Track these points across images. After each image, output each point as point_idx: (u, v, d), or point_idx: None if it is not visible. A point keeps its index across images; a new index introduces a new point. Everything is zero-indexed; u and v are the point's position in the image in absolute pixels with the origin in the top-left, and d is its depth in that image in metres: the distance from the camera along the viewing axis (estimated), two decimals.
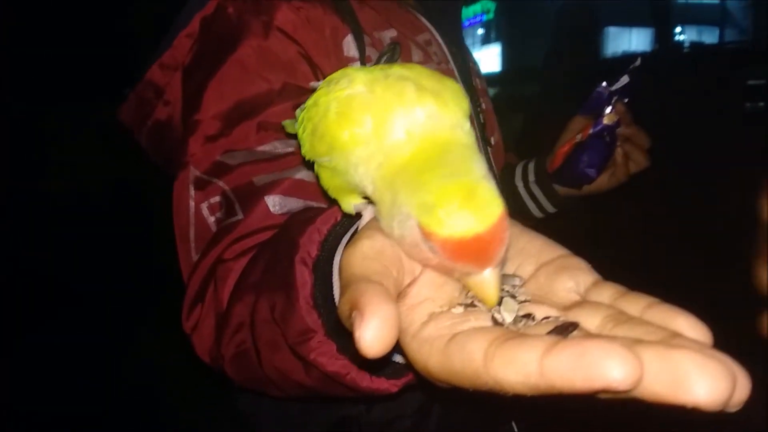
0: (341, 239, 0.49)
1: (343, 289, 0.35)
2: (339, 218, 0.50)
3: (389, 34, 0.72)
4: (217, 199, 0.61)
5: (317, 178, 0.46)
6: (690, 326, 0.31)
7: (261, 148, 0.62)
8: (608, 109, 0.79)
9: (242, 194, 0.60)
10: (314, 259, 0.50)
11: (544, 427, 0.77)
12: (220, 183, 0.61)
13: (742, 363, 0.26)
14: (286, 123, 0.54)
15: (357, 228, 0.47)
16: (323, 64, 0.65)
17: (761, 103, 2.97)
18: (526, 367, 0.27)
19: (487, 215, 0.34)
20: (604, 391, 0.25)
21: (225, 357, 0.58)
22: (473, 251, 0.35)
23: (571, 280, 0.37)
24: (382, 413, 0.70)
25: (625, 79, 0.79)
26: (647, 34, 3.63)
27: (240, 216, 0.60)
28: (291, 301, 0.50)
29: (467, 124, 0.40)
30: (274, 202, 0.60)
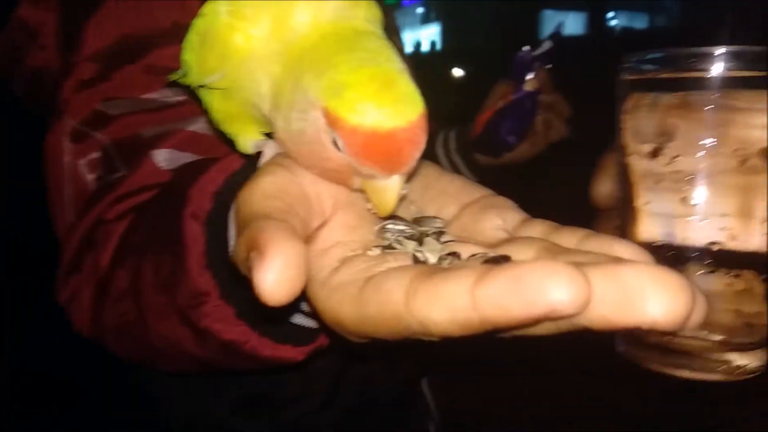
0: (238, 190, 0.43)
1: (240, 230, 0.30)
2: (237, 167, 0.45)
3: None
4: (96, 154, 0.55)
5: (207, 111, 0.40)
6: (631, 253, 0.28)
7: (148, 95, 0.56)
8: (530, 75, 0.77)
9: (125, 148, 0.54)
10: (207, 213, 0.45)
11: (455, 388, 0.76)
12: (100, 136, 0.55)
13: None
14: (175, 74, 0.49)
15: None
16: None
17: None
18: (455, 301, 0.24)
19: (406, 110, 0.30)
20: (547, 318, 0.22)
21: (106, 328, 0.52)
22: (384, 149, 0.31)
23: (498, 218, 0.35)
24: (291, 389, 0.66)
25: (547, 44, 0.77)
26: (583, 18, 3.68)
27: (123, 172, 0.54)
28: (180, 261, 0.45)
29: (381, 30, 0.35)
30: (163, 157, 0.55)
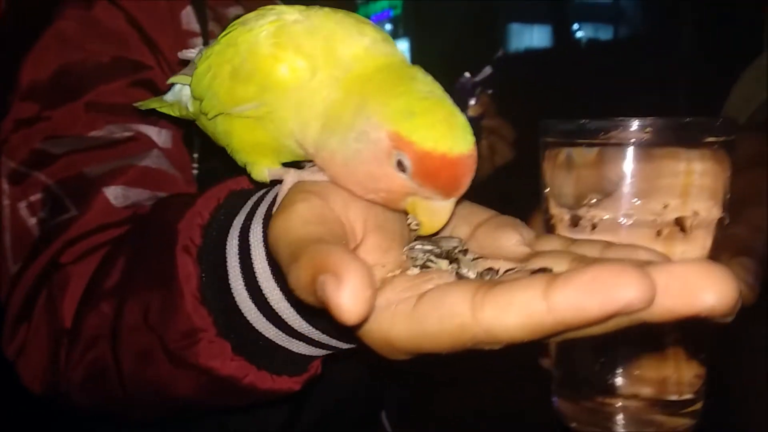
0: (232, 221, 0.43)
1: (292, 257, 0.30)
2: (222, 200, 0.45)
3: (235, 11, 0.66)
4: (38, 196, 0.53)
5: (223, 139, 0.41)
6: (654, 257, 0.30)
7: (93, 133, 0.55)
8: (472, 101, 0.77)
9: (73, 187, 0.53)
10: (198, 248, 0.44)
11: (414, 419, 0.78)
12: (42, 176, 0.53)
13: None
14: (146, 102, 0.50)
15: (252, 208, 0.43)
16: (158, 37, 0.60)
17: (653, 95, 3.13)
18: (529, 306, 0.25)
19: (467, 139, 0.33)
20: (619, 314, 0.24)
21: (72, 380, 0.50)
22: (450, 173, 0.33)
23: (516, 234, 0.36)
24: (249, 421, 0.65)
25: (488, 70, 0.78)
26: (548, 32, 3.74)
27: (74, 212, 0.52)
28: (172, 298, 0.44)
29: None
30: (116, 194, 0.54)
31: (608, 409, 0.43)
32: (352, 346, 0.44)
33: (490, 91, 0.78)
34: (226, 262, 0.43)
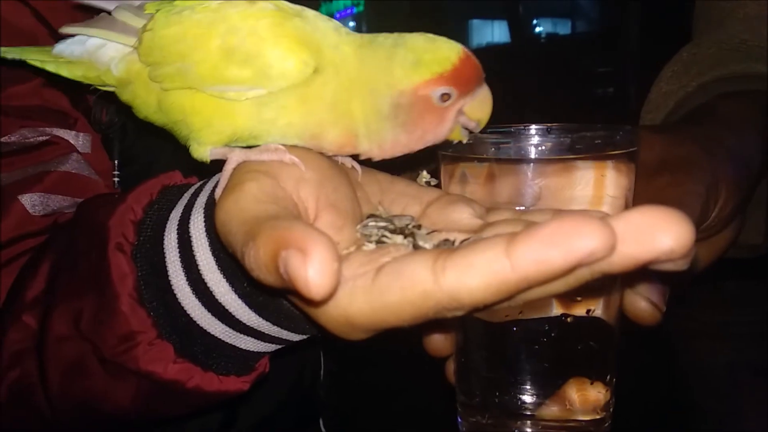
0: (168, 215, 0.41)
1: (247, 236, 0.30)
2: (155, 195, 0.43)
3: None
4: None
5: (171, 109, 0.40)
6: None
7: (4, 139, 0.52)
8: None
9: None
10: (133, 245, 0.42)
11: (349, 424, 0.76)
12: None
13: None
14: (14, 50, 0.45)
15: (190, 199, 0.41)
16: None
17: (610, 89, 3.18)
18: (491, 265, 0.25)
19: (451, 40, 0.39)
20: (583, 263, 0.24)
21: None
22: (472, 63, 0.39)
23: (468, 208, 0.37)
24: None
25: None
26: (507, 27, 3.78)
27: None
28: (107, 301, 0.42)
29: None
30: (33, 202, 0.50)
31: (511, 431, 0.43)
32: (302, 337, 0.43)
33: None
34: (164, 258, 0.41)
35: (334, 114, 0.39)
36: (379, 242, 0.34)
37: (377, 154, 0.40)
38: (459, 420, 0.46)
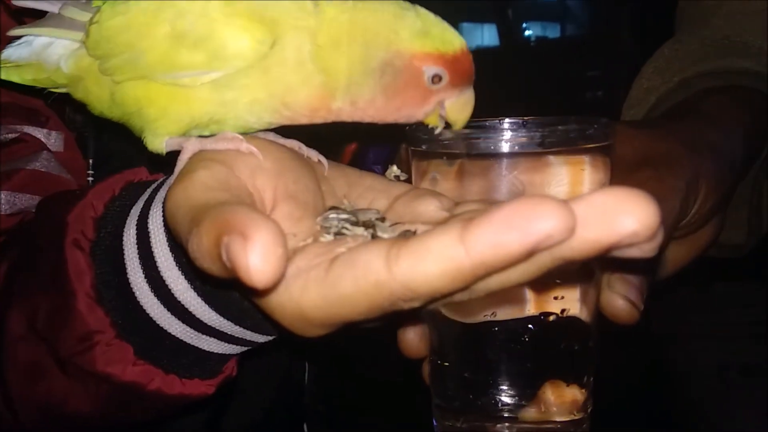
0: (127, 214, 0.40)
1: (192, 223, 0.29)
2: (117, 192, 0.42)
3: None
4: None
5: (125, 101, 0.38)
6: None
7: None
8: None
9: None
10: (91, 243, 0.41)
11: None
12: None
13: None
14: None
15: (150, 195, 0.40)
16: None
17: (599, 93, 3.18)
18: (445, 251, 0.24)
19: (458, 33, 0.38)
20: (540, 247, 0.23)
21: None
22: (469, 62, 0.38)
23: (435, 200, 0.36)
24: None
25: None
26: (496, 30, 3.78)
27: None
28: (63, 299, 0.40)
29: None
30: (1, 201, 0.49)
31: None
32: (267, 338, 0.42)
33: None
34: (123, 254, 0.40)
35: (303, 74, 0.37)
36: (338, 234, 0.33)
37: (348, 114, 0.39)
38: (434, 423, 0.46)
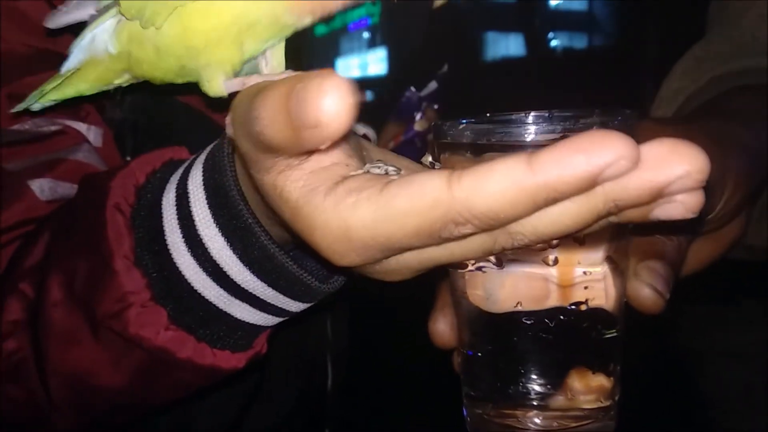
0: (167, 184, 0.41)
1: (254, 94, 0.29)
2: (158, 167, 0.44)
3: None
4: None
5: (172, 45, 0.40)
6: None
7: (17, 127, 0.52)
8: (418, 116, 0.78)
9: None
10: (132, 208, 0.42)
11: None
12: None
13: None
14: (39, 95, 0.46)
15: (188, 165, 0.41)
16: None
17: (627, 102, 3.16)
18: (511, 171, 0.25)
19: None
20: (605, 177, 0.24)
21: None
22: None
23: None
24: None
25: (433, 85, 0.79)
26: (523, 39, 3.78)
27: None
28: (102, 262, 0.41)
29: None
30: (42, 187, 0.51)
31: (517, 421, 0.43)
32: (301, 306, 0.42)
33: (435, 106, 0.80)
34: (162, 218, 0.40)
35: None
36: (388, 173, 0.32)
37: None
38: (464, 412, 0.47)
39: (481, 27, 3.80)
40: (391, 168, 0.32)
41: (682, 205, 0.26)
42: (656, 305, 0.45)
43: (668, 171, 0.24)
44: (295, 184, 0.29)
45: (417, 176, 0.27)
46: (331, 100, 0.25)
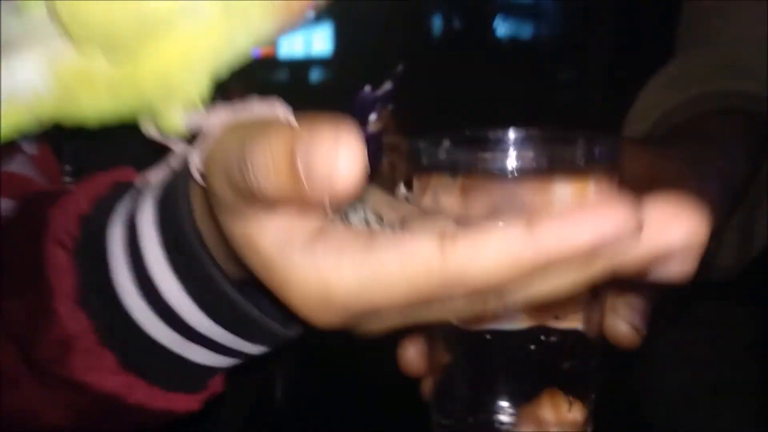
0: (111, 213, 0.39)
1: (249, 140, 0.27)
2: (105, 191, 0.40)
3: None
4: None
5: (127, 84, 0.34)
6: None
7: None
8: (373, 116, 0.75)
9: None
10: (75, 241, 0.39)
11: None
12: None
13: None
14: None
15: (137, 196, 0.38)
16: None
17: (572, 96, 3.22)
18: (509, 240, 0.24)
19: None
20: (608, 243, 0.24)
21: None
22: None
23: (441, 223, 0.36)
24: None
25: (388, 86, 0.75)
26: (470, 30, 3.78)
27: None
28: (42, 301, 0.38)
29: None
30: None
31: None
32: (259, 349, 0.40)
33: (390, 107, 0.77)
34: (107, 253, 0.38)
35: None
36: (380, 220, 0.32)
37: None
38: None
39: (438, 24, 3.79)
40: (371, 216, 0.31)
41: (681, 263, 0.26)
42: (633, 341, 0.46)
43: (670, 238, 0.25)
44: (269, 235, 0.27)
45: (406, 238, 0.25)
46: (345, 156, 0.24)
